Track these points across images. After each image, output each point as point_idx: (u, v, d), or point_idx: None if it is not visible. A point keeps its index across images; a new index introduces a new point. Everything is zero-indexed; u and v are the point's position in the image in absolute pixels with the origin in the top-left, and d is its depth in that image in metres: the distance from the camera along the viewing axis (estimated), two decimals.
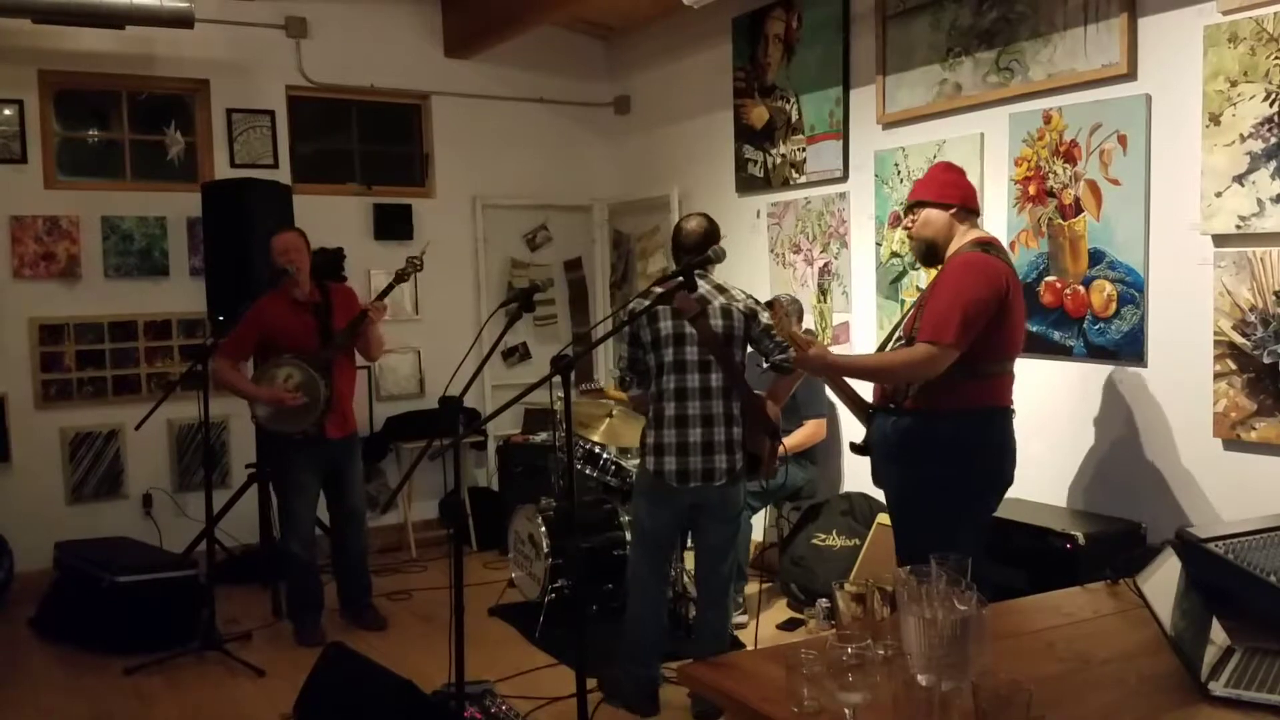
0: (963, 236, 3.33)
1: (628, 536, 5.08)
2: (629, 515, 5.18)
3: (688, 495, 3.74)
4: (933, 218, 3.36)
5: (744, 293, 3.90)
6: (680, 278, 3.15)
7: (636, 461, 5.59)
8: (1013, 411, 3.34)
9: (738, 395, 3.75)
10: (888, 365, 3.35)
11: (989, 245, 3.30)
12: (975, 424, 3.23)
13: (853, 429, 5.19)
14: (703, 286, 3.71)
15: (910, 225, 3.43)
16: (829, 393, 4.71)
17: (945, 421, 3.20)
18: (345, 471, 4.91)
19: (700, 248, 3.78)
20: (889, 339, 3.56)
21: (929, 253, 3.40)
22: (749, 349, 3.88)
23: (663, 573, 3.97)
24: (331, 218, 6.33)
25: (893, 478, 3.40)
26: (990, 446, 3.27)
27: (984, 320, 3.13)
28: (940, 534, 3.10)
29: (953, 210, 3.34)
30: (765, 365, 3.85)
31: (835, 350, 5.13)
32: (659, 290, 3.41)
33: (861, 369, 3.51)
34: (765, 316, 3.78)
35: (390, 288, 4.80)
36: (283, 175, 6.14)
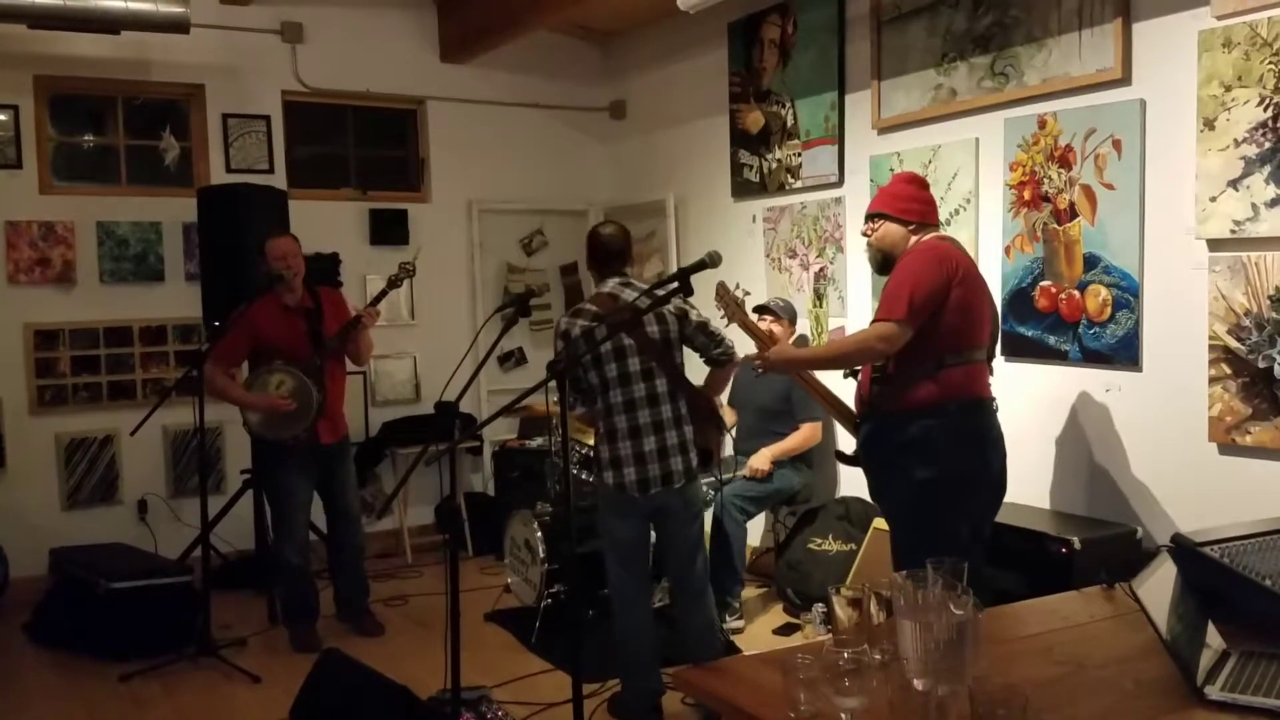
0: (918, 241, 3.41)
1: None
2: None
3: (650, 502, 3.77)
4: (891, 231, 3.44)
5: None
6: (675, 284, 3.15)
7: None
8: (991, 403, 3.34)
9: (682, 395, 3.80)
10: (843, 347, 3.45)
11: (944, 238, 3.43)
12: (950, 419, 3.23)
13: (845, 435, 5.20)
14: (629, 295, 3.73)
15: (869, 233, 3.50)
16: None
17: (920, 419, 3.23)
18: (338, 475, 4.90)
19: (622, 254, 3.86)
20: None
21: (884, 263, 3.47)
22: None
23: (645, 582, 3.98)
24: (327, 223, 6.33)
25: (880, 483, 3.43)
26: (968, 440, 3.27)
27: (935, 299, 3.19)
28: (932, 535, 3.12)
29: (911, 227, 3.40)
30: (703, 361, 3.87)
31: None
32: (659, 293, 3.41)
33: (822, 357, 3.64)
34: (696, 315, 3.81)
35: (384, 293, 4.81)
36: (278, 180, 6.14)
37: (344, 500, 4.93)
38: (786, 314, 5.05)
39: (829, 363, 3.58)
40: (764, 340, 3.61)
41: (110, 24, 5.30)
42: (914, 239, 3.40)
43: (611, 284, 3.79)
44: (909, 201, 3.43)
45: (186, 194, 5.88)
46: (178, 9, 5.33)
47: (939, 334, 3.21)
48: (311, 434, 4.71)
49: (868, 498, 4.90)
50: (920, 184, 3.52)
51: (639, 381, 3.73)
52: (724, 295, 3.77)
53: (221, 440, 6.10)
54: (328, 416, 4.76)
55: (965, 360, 3.27)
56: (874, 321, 3.28)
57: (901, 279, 3.24)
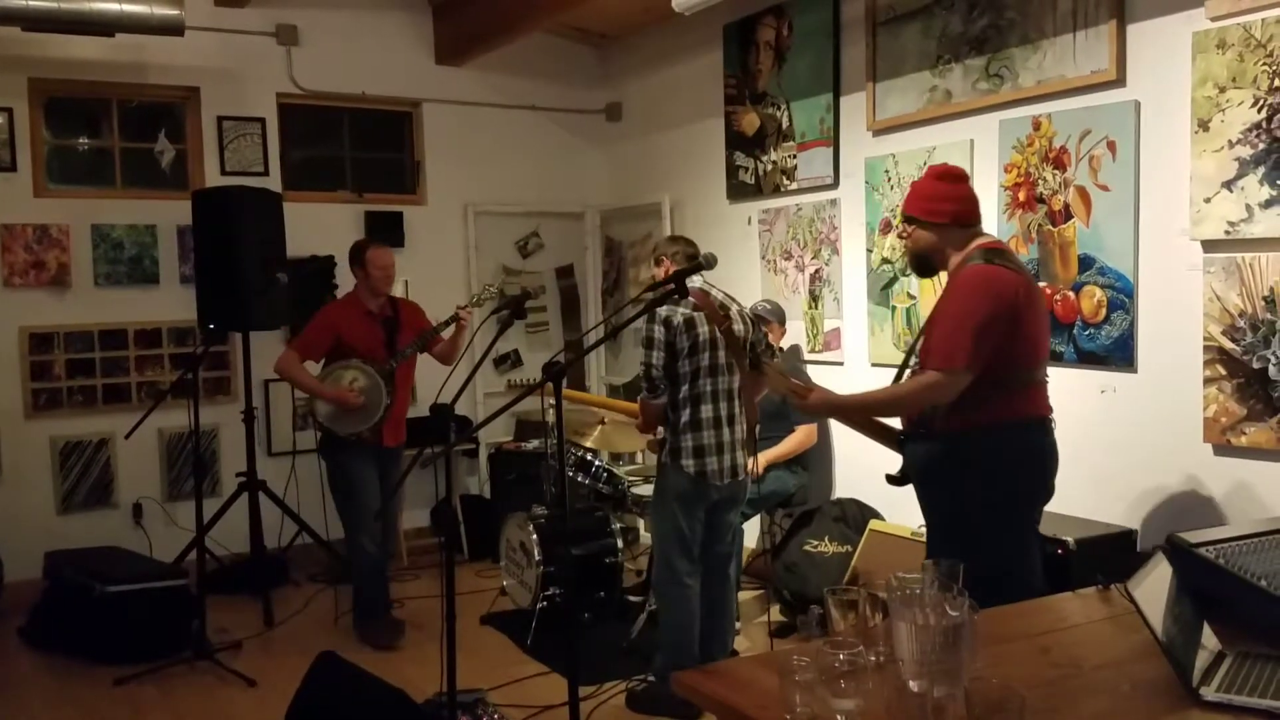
0: (964, 245, 3.16)
1: (619, 544, 5.07)
2: (622, 524, 5.19)
3: (719, 492, 3.94)
4: (922, 236, 3.22)
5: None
6: (671, 285, 3.18)
7: (630, 468, 5.62)
8: (1051, 421, 3.18)
9: (741, 396, 3.99)
10: (895, 395, 3.22)
11: (995, 253, 3.11)
12: (1012, 437, 3.08)
13: (846, 435, 5.20)
14: (717, 294, 3.99)
15: (904, 235, 3.32)
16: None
17: (982, 438, 3.05)
18: (391, 477, 4.95)
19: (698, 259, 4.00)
20: (905, 363, 3.39)
21: (922, 265, 3.29)
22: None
23: (699, 574, 4.05)
24: (322, 225, 6.32)
25: (936, 503, 3.23)
26: (1030, 458, 3.12)
27: (995, 338, 2.99)
28: (991, 554, 2.95)
29: (942, 229, 3.18)
30: (757, 367, 4.03)
31: (831, 358, 5.14)
32: (648, 296, 3.43)
33: (870, 405, 3.35)
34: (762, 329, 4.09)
35: (479, 301, 4.94)
36: (273, 183, 6.13)
37: (392, 503, 4.96)
38: (775, 317, 5.06)
39: (879, 410, 3.33)
40: (803, 397, 3.32)
41: (105, 27, 5.29)
42: (955, 237, 3.17)
43: (699, 282, 3.94)
44: (938, 201, 3.18)
45: (181, 197, 5.87)
46: (172, 11, 5.33)
47: (1002, 357, 3.03)
48: (376, 435, 4.79)
49: (863, 499, 4.94)
50: (952, 178, 3.24)
51: (723, 374, 3.92)
52: (769, 371, 3.59)
53: (217, 443, 6.09)
54: (393, 420, 4.86)
55: (1027, 381, 3.11)
56: (928, 368, 3.05)
57: (959, 320, 3.01)
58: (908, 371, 3.34)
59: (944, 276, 3.29)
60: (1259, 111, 3.44)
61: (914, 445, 3.22)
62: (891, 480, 3.33)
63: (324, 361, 4.90)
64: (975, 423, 3.04)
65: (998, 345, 3.00)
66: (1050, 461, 3.18)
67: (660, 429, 3.99)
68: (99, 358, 5.84)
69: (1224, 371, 3.59)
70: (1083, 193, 4.06)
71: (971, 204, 3.22)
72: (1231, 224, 3.52)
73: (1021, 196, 4.29)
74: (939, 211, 3.17)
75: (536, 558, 4.82)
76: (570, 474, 5.15)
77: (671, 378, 3.90)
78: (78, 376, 5.79)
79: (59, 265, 5.71)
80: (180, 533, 5.76)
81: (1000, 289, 3.01)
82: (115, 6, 5.19)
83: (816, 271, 5.41)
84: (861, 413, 3.37)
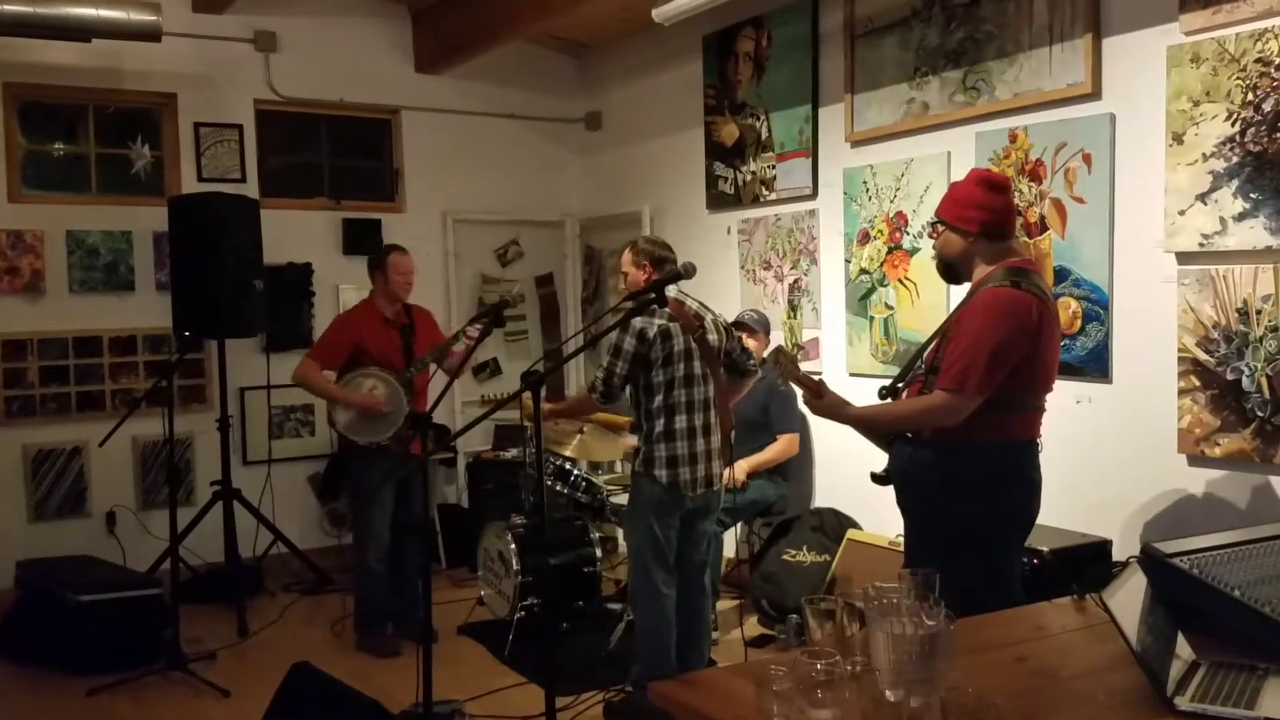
0: (991, 261, 3.09)
1: (598, 554, 5.06)
2: (600, 533, 5.18)
3: (693, 501, 3.94)
4: (951, 241, 3.14)
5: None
6: (650, 294, 3.18)
7: (608, 477, 5.61)
8: (1039, 444, 3.14)
9: (717, 404, 3.99)
10: (906, 415, 3.17)
11: (1020, 274, 3.03)
12: (999, 459, 3.04)
13: (826, 444, 5.21)
14: (692, 303, 4.00)
15: (934, 236, 3.24)
16: (801, 405, 4.73)
17: (969, 456, 3.01)
18: (417, 485, 4.90)
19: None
20: (909, 367, 3.35)
21: (949, 272, 3.22)
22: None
23: (675, 583, 4.04)
24: (300, 232, 6.30)
25: (919, 513, 3.21)
26: (1013, 482, 3.08)
27: (1010, 364, 2.94)
28: (990, 572, 2.95)
29: (970, 238, 3.09)
30: (732, 372, 4.09)
31: (810, 367, 5.16)
32: (630, 305, 3.43)
33: (879, 419, 3.29)
34: (743, 335, 4.08)
35: (483, 318, 4.81)
36: (250, 189, 6.10)
37: (418, 509, 4.93)
38: (761, 326, 5.06)
39: (888, 426, 3.28)
40: (816, 396, 3.31)
41: (82, 32, 5.25)
42: (983, 250, 3.09)
43: (674, 291, 3.90)
44: (971, 208, 3.08)
45: (157, 203, 5.83)
46: (150, 17, 5.29)
47: (1009, 382, 2.97)
48: (404, 445, 4.74)
49: (842, 509, 4.95)
50: (990, 186, 3.12)
51: (698, 385, 3.93)
52: (781, 359, 3.45)
53: (191, 452, 6.04)
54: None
55: (1029, 407, 3.08)
56: (941, 388, 2.99)
57: (975, 343, 2.94)
58: (910, 373, 3.30)
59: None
60: (1233, 125, 3.48)
61: (900, 447, 3.21)
62: (876, 479, 3.30)
63: (340, 370, 4.85)
64: (965, 439, 3.00)
65: (1011, 371, 2.96)
66: (1033, 486, 3.13)
67: (634, 437, 4.00)
68: (73, 365, 5.78)
69: (1198, 383, 3.62)
70: (1058, 205, 4.09)
71: (1004, 216, 3.13)
72: (1205, 236, 3.56)
73: None
74: (968, 219, 3.09)
75: (514, 567, 4.80)
76: (549, 483, 5.14)
77: (646, 388, 3.90)
78: (51, 384, 5.73)
79: (33, 271, 5.66)
80: (154, 542, 5.71)
81: (1020, 317, 2.95)
82: (92, 12, 5.15)
83: (795, 282, 5.42)
84: (868, 425, 3.33)
